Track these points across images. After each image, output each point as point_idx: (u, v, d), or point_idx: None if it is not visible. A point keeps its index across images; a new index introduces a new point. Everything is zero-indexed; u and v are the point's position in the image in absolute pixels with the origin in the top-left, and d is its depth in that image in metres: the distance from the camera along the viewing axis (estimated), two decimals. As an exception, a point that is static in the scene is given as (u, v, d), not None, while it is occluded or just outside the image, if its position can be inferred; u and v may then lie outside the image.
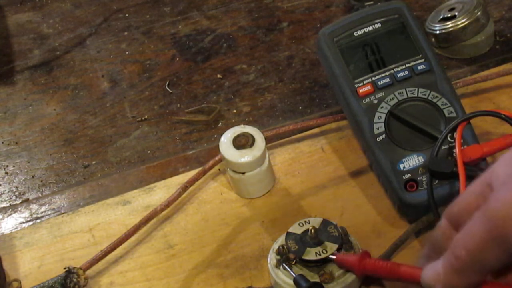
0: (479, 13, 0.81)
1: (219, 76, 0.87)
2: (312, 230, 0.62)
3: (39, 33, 0.97)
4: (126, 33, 0.95)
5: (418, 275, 0.55)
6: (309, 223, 0.64)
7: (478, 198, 0.52)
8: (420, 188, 0.65)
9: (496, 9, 0.88)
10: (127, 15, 0.97)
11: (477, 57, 0.83)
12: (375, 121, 0.67)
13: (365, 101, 0.68)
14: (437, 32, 0.82)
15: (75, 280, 0.65)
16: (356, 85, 0.69)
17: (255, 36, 0.92)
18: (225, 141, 0.70)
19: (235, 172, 0.71)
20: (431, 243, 0.57)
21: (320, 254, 0.62)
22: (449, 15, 0.82)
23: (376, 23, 0.70)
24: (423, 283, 0.54)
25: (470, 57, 0.83)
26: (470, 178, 0.60)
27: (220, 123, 0.82)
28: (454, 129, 0.64)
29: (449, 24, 0.81)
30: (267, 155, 0.72)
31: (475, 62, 0.83)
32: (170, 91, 0.87)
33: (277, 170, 0.74)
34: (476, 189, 0.52)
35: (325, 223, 0.64)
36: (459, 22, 0.81)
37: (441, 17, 0.83)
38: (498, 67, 0.81)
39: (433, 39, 0.84)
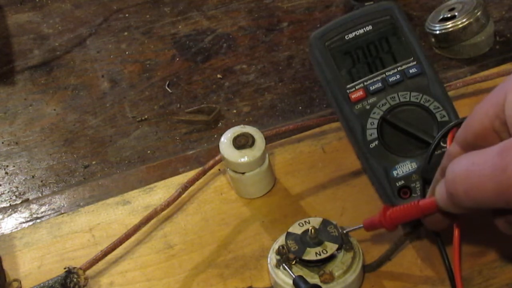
0: (479, 13, 0.81)
1: (219, 76, 0.88)
2: (312, 230, 0.62)
3: (39, 33, 0.97)
4: (126, 33, 0.95)
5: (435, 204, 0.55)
6: (309, 223, 0.64)
7: (494, 121, 0.50)
8: (413, 195, 0.65)
9: (496, 9, 0.88)
10: (127, 15, 0.97)
11: (477, 57, 0.83)
12: (367, 127, 0.67)
13: (357, 106, 0.67)
14: (437, 32, 0.82)
15: (75, 280, 0.65)
16: (348, 91, 0.68)
17: (255, 36, 0.92)
18: (225, 141, 0.70)
19: (235, 172, 0.71)
20: (441, 169, 0.56)
21: (320, 254, 0.62)
22: (449, 15, 0.82)
23: (367, 25, 0.69)
24: (438, 206, 0.54)
25: (470, 57, 0.83)
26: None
27: (220, 123, 0.82)
28: (446, 135, 0.63)
29: (449, 24, 0.81)
30: (267, 155, 0.72)
31: (475, 62, 0.83)
32: (170, 91, 0.87)
33: (277, 170, 0.74)
34: (489, 111, 0.51)
35: (325, 223, 0.64)
36: (459, 22, 0.81)
37: (441, 17, 0.83)
38: (498, 67, 0.81)
39: (433, 39, 0.84)
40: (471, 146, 0.52)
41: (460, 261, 0.59)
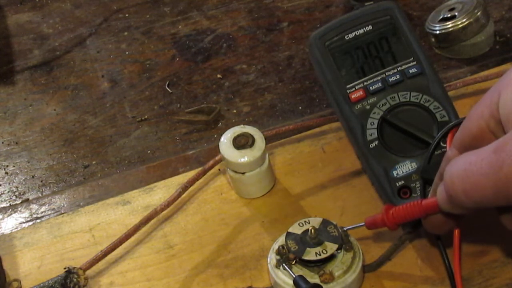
0: (479, 13, 0.81)
1: (219, 76, 0.88)
2: (312, 230, 0.62)
3: (39, 33, 0.97)
4: (126, 33, 0.95)
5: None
6: (309, 223, 0.64)
7: (489, 122, 0.51)
8: (413, 195, 0.65)
9: (496, 9, 0.88)
10: (127, 15, 0.97)
11: (477, 57, 0.83)
12: (367, 127, 0.67)
13: (357, 106, 0.67)
14: (437, 32, 0.82)
15: (75, 280, 0.65)
16: (348, 91, 0.68)
17: (255, 36, 0.92)
18: (225, 141, 0.70)
19: (235, 172, 0.71)
20: (440, 173, 0.56)
21: (320, 254, 0.62)
22: (449, 15, 0.82)
23: (368, 25, 0.69)
24: (440, 207, 0.54)
25: (470, 57, 0.83)
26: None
27: (220, 123, 0.82)
28: (446, 135, 0.63)
29: (449, 24, 0.81)
30: (267, 155, 0.72)
31: (475, 62, 0.83)
32: (170, 91, 0.87)
33: (277, 170, 0.74)
34: (484, 112, 0.51)
35: (325, 223, 0.64)
36: (459, 22, 0.81)
37: (441, 17, 0.83)
38: (498, 67, 0.81)
39: (433, 39, 0.84)
40: (469, 149, 0.52)
41: (460, 261, 0.59)
